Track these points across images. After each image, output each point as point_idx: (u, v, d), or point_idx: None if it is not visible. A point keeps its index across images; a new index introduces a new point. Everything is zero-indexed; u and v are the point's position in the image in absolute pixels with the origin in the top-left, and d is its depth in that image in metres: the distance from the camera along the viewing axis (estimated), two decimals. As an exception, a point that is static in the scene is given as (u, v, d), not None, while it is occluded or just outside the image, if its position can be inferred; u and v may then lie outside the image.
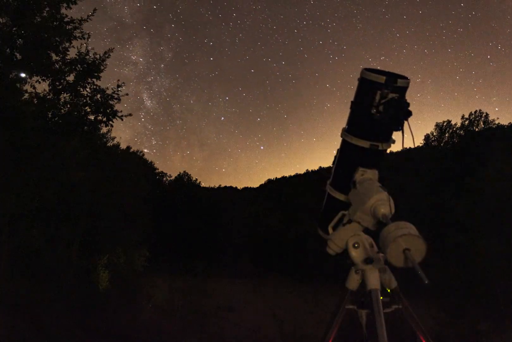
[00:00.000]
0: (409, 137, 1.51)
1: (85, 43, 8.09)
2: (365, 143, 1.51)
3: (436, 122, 26.77)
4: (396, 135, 1.57)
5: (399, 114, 1.44)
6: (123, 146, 21.20)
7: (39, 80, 7.73)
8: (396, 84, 1.42)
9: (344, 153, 1.63)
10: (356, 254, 1.62)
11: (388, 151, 1.63)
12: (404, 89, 1.46)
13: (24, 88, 7.65)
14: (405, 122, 1.50)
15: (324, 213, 1.77)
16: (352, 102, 1.54)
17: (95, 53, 8.18)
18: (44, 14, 7.68)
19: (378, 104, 1.43)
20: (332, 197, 1.70)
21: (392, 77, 1.43)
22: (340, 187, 1.64)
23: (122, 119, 8.30)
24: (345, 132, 1.57)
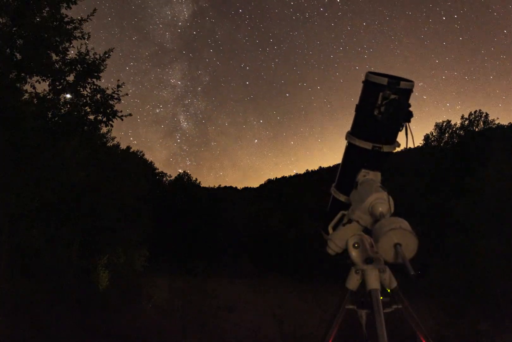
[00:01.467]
0: (410, 138, 1.53)
1: (85, 43, 8.09)
2: (367, 145, 1.53)
3: (436, 122, 26.79)
4: (400, 139, 1.59)
5: (399, 115, 1.45)
6: (123, 146, 21.21)
7: (39, 80, 7.73)
8: (398, 86, 1.44)
9: (348, 156, 1.65)
10: (356, 254, 1.62)
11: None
12: (407, 92, 1.47)
13: (24, 88, 7.66)
14: (407, 123, 1.52)
15: (329, 215, 1.78)
16: (356, 105, 1.57)
17: (95, 53, 8.18)
18: (44, 14, 7.68)
19: (380, 105, 1.45)
20: (336, 199, 1.72)
21: (396, 79, 1.45)
22: (344, 189, 1.66)
23: (122, 119, 8.30)
24: (349, 134, 1.59)
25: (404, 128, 1.51)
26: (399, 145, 1.57)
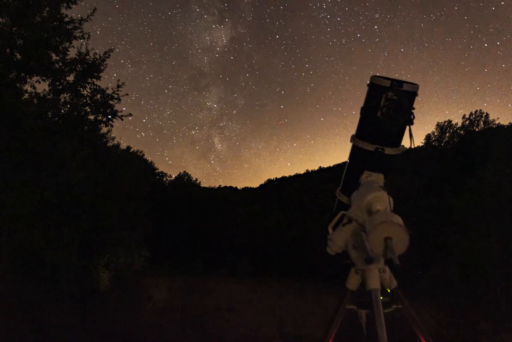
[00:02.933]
0: (411, 138, 1.56)
1: (85, 43, 8.09)
2: (370, 147, 1.55)
3: (437, 122, 26.79)
4: (405, 142, 1.60)
5: (399, 115, 1.46)
6: (123, 146, 21.21)
7: (39, 80, 7.73)
8: (401, 88, 1.45)
9: (352, 158, 1.68)
10: (356, 254, 1.62)
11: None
12: (410, 94, 1.49)
13: (24, 88, 7.66)
14: (410, 125, 1.53)
15: (333, 218, 1.80)
16: (361, 107, 1.59)
17: (95, 53, 8.19)
18: (44, 14, 7.67)
19: (383, 107, 1.48)
20: (341, 202, 1.75)
21: (400, 82, 1.46)
22: (349, 191, 1.68)
23: (122, 119, 8.31)
24: (353, 137, 1.62)
25: (410, 129, 1.53)
26: (404, 149, 1.58)
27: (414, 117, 1.49)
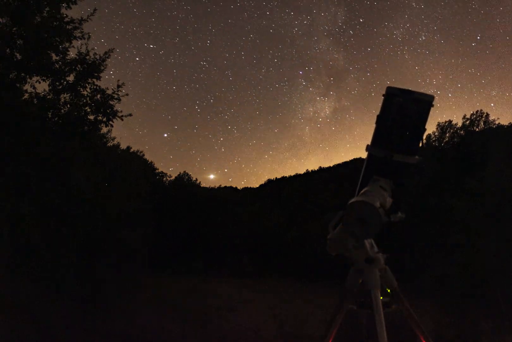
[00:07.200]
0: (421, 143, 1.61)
1: (85, 43, 8.09)
2: (380, 152, 1.60)
3: (438, 122, 26.76)
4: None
5: (407, 120, 1.49)
6: (123, 146, 21.21)
7: (39, 80, 7.73)
8: (412, 96, 1.49)
9: (365, 166, 1.72)
10: (356, 254, 1.62)
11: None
12: (422, 102, 1.52)
13: (24, 88, 7.65)
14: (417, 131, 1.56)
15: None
16: (376, 116, 1.65)
17: (95, 54, 8.19)
18: (44, 14, 7.67)
19: (392, 114, 1.54)
20: None
21: (412, 92, 1.51)
22: None
23: (122, 120, 8.31)
24: (368, 145, 1.66)
25: (421, 135, 1.59)
26: (415, 159, 1.61)
27: (425, 129, 1.53)
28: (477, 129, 25.19)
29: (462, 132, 25.63)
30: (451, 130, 26.11)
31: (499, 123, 25.44)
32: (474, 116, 25.48)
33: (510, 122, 26.30)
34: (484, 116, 25.37)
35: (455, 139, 25.60)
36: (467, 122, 25.53)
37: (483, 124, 25.28)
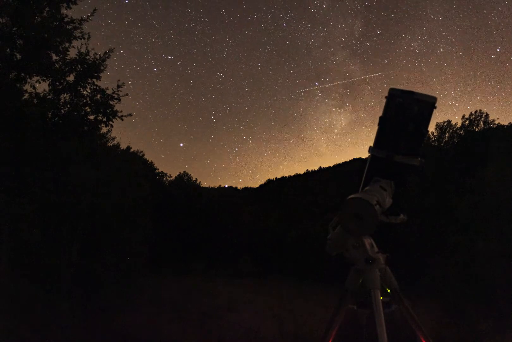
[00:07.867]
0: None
1: (85, 43, 8.08)
2: (381, 153, 1.59)
3: (437, 122, 26.74)
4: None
5: (406, 120, 1.49)
6: (123, 146, 21.19)
7: (39, 80, 7.72)
8: (412, 96, 1.49)
9: (368, 167, 1.72)
10: (356, 254, 1.62)
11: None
12: (423, 103, 1.52)
13: (24, 88, 7.65)
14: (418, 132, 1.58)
15: None
16: (379, 117, 1.65)
17: (95, 54, 8.18)
18: (44, 14, 7.66)
19: (393, 114, 1.55)
20: None
21: (413, 92, 1.52)
22: None
23: (122, 120, 8.30)
24: (370, 147, 1.67)
25: (423, 134, 1.60)
26: (418, 161, 1.61)
27: (427, 131, 1.53)
28: (477, 129, 25.18)
29: (461, 132, 25.62)
30: (451, 131, 26.09)
31: (499, 123, 25.46)
32: (474, 116, 25.47)
33: (510, 122, 26.31)
34: (483, 116, 25.37)
35: (455, 140, 25.60)
36: (467, 122, 25.53)
37: (483, 124, 25.28)
